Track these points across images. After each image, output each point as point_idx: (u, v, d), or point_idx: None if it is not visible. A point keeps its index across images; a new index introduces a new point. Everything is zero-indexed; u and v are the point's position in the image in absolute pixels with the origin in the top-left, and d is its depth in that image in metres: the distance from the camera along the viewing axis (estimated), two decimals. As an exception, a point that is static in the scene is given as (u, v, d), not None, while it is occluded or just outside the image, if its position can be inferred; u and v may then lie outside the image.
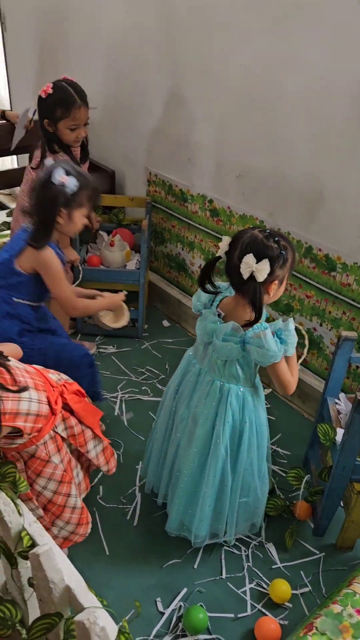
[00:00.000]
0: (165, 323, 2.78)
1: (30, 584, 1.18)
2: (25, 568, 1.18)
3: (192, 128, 2.34)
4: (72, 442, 1.46)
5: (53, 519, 1.46)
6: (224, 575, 1.64)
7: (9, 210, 2.82)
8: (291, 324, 1.42)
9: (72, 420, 1.45)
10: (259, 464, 1.59)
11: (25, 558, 1.10)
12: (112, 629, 0.92)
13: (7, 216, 2.77)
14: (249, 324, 1.39)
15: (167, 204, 2.64)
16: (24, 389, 1.29)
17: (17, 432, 1.30)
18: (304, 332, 1.80)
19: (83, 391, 1.56)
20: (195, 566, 1.66)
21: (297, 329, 1.47)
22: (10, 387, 1.25)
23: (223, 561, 1.68)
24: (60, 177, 1.65)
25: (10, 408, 1.25)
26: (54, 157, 2.10)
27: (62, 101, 2.01)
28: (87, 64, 2.81)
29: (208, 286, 1.48)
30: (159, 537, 1.74)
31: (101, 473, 1.89)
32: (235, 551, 1.71)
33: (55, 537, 1.50)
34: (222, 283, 1.53)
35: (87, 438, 1.51)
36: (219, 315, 1.48)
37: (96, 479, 1.89)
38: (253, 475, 1.59)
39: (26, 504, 1.33)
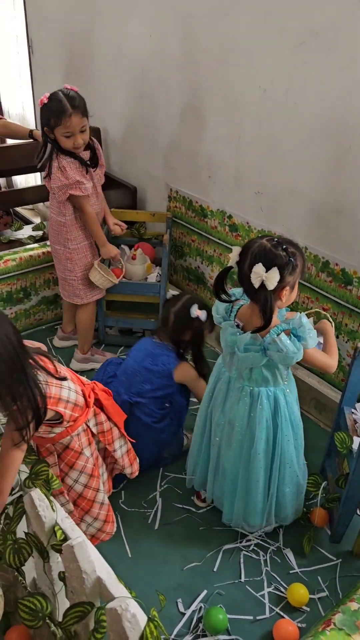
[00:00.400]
0: (184, 335, 2.85)
1: (61, 578, 1.25)
2: (56, 562, 1.25)
3: (212, 147, 2.43)
4: (101, 438, 1.55)
5: (82, 514, 1.54)
6: (242, 579, 1.69)
7: (34, 224, 2.93)
8: (303, 318, 1.48)
9: (102, 417, 1.55)
10: (297, 453, 1.68)
11: (58, 551, 1.16)
12: (142, 616, 0.98)
13: (33, 230, 2.88)
14: (258, 330, 1.46)
15: (187, 219, 2.72)
16: (65, 378, 1.40)
17: (57, 420, 1.39)
18: (329, 318, 1.83)
19: (110, 391, 1.66)
20: (215, 569, 1.71)
21: (319, 314, 1.54)
22: (54, 375, 1.36)
23: (242, 565, 1.72)
24: (196, 311, 1.91)
25: (54, 393, 1.36)
26: (63, 157, 2.16)
27: (55, 110, 2.06)
28: (111, 85, 2.92)
29: (223, 296, 1.55)
30: (179, 540, 1.79)
31: (125, 480, 1.95)
32: (253, 556, 1.76)
33: (83, 533, 1.57)
34: (236, 290, 1.60)
35: (114, 436, 1.60)
36: (237, 325, 1.55)
37: (120, 485, 1.95)
38: (293, 465, 1.67)
39: (57, 499, 1.41)
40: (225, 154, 2.38)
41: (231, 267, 1.48)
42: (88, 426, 1.51)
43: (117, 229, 2.53)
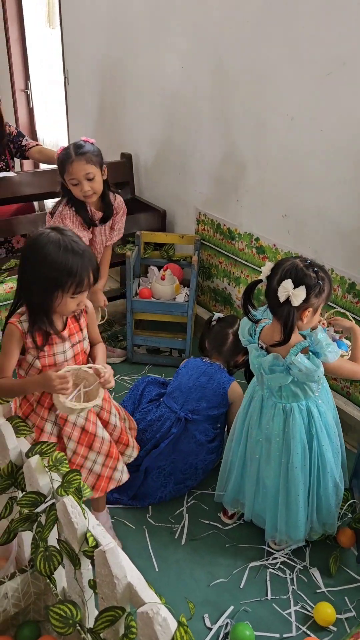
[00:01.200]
0: (211, 354, 2.89)
1: (91, 586, 1.28)
2: (86, 570, 1.29)
3: (241, 172, 2.50)
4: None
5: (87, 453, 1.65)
6: (269, 597, 1.69)
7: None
8: (319, 334, 1.51)
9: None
10: (335, 459, 1.70)
11: (90, 558, 1.20)
12: (172, 621, 1.01)
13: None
14: (277, 344, 1.50)
15: (215, 242, 2.79)
16: None
17: None
18: (349, 318, 1.86)
19: None
20: (242, 586, 1.72)
21: (343, 315, 1.56)
22: None
23: (268, 583, 1.73)
24: None
25: None
26: (69, 208, 2.22)
27: (61, 158, 2.13)
28: (143, 113, 3.04)
29: (249, 307, 1.61)
30: (205, 556, 1.81)
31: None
32: (280, 574, 1.76)
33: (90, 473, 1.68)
34: (258, 310, 1.65)
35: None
36: (261, 347, 1.60)
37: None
38: (333, 472, 1.70)
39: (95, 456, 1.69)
40: (253, 178, 2.45)
41: (260, 281, 1.53)
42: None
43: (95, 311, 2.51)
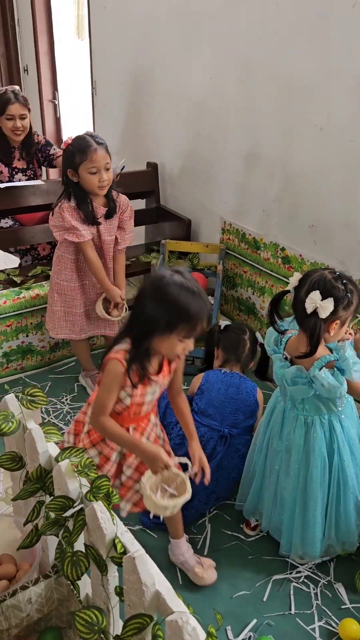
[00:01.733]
0: (234, 364, 2.88)
1: (117, 593, 1.28)
2: (113, 576, 1.28)
3: (268, 182, 2.50)
4: None
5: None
6: (292, 611, 1.66)
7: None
8: (348, 351, 1.49)
9: None
10: (357, 475, 1.67)
11: (118, 564, 1.19)
12: (201, 631, 1.00)
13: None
14: (303, 356, 1.48)
15: (240, 251, 2.79)
16: None
17: None
18: None
19: None
20: (265, 599, 1.69)
21: None
22: None
23: (292, 597, 1.70)
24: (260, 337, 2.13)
25: None
26: (70, 203, 2.17)
27: (80, 146, 2.08)
28: (170, 123, 3.07)
29: (275, 317, 1.60)
30: (228, 568, 1.79)
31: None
32: (304, 588, 1.73)
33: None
34: (285, 321, 1.64)
35: None
36: (286, 358, 1.58)
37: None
38: (355, 490, 1.67)
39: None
40: (280, 188, 2.45)
41: (288, 291, 1.53)
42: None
43: (114, 312, 2.37)
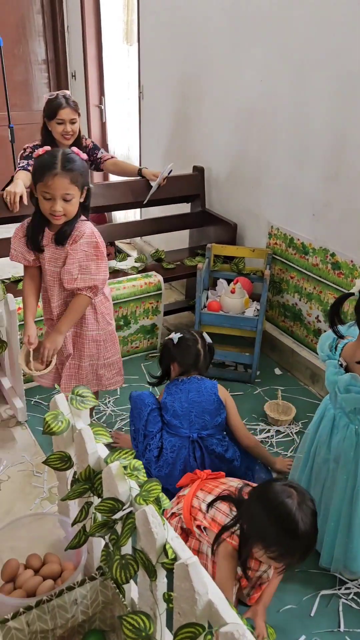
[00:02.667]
0: (277, 371, 2.83)
1: (165, 599, 1.25)
2: (162, 582, 1.26)
3: (319, 185, 2.45)
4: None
5: None
6: (342, 629, 1.60)
7: (137, 257, 3.07)
8: None
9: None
10: None
11: (168, 570, 1.17)
12: (256, 645, 0.96)
13: (135, 262, 3.01)
14: None
15: (287, 256, 2.74)
16: None
17: None
18: None
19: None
20: (312, 614, 1.64)
21: None
22: None
23: (341, 614, 1.64)
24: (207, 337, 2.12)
25: None
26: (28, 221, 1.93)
27: (42, 166, 1.77)
28: (217, 127, 3.05)
29: (335, 320, 1.53)
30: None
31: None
32: (354, 605, 1.67)
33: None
34: (342, 327, 1.58)
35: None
36: (341, 365, 1.53)
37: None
38: None
39: None
40: (331, 192, 2.39)
41: (351, 294, 1.49)
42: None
43: (32, 365, 1.97)
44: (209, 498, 1.62)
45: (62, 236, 1.86)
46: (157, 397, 2.11)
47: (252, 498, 1.46)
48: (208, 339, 2.11)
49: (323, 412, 1.69)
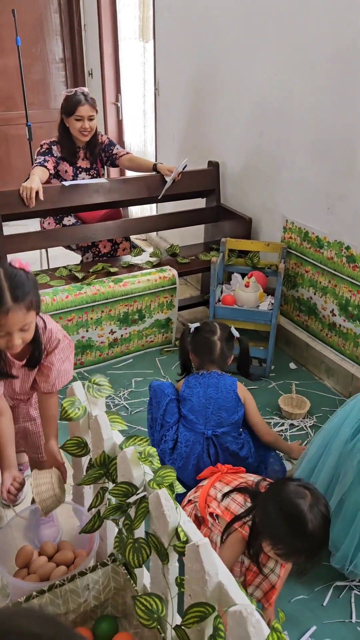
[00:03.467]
0: (292, 365, 2.82)
1: (178, 583, 1.26)
2: (174, 566, 1.27)
3: (334, 179, 2.45)
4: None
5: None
6: (354, 619, 1.60)
7: (152, 252, 3.09)
8: None
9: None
10: None
11: (180, 553, 1.18)
12: (264, 625, 0.97)
13: (150, 256, 3.03)
14: None
15: (302, 250, 2.73)
16: None
17: None
18: None
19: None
20: (324, 604, 1.64)
21: None
22: None
23: (353, 605, 1.64)
24: (235, 332, 2.09)
25: None
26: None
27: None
28: (232, 121, 3.06)
29: None
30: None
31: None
32: (366, 596, 1.67)
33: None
34: None
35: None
36: None
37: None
38: None
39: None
40: (347, 186, 2.38)
41: None
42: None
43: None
44: (226, 489, 1.62)
45: (35, 361, 1.63)
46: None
47: (267, 494, 1.47)
48: (235, 334, 2.06)
49: (352, 406, 1.67)
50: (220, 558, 1.38)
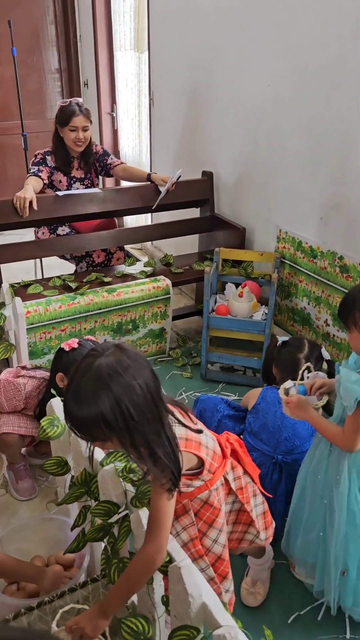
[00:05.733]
0: (287, 376, 2.80)
1: (163, 602, 1.24)
2: (158, 585, 1.25)
3: (327, 189, 2.44)
4: (239, 495, 1.42)
5: (221, 580, 1.40)
6: (347, 635, 1.57)
7: (145, 261, 3.07)
8: None
9: (239, 470, 1.44)
10: None
11: (163, 572, 1.16)
12: (249, 648, 0.95)
13: (145, 266, 3.01)
14: None
15: (295, 260, 2.72)
16: (201, 430, 1.30)
17: (196, 470, 1.31)
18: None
19: (242, 442, 1.53)
20: (319, 619, 1.61)
21: None
22: (191, 428, 1.27)
23: (347, 620, 1.61)
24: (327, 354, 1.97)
25: (194, 437, 1.27)
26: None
27: None
28: (226, 131, 3.06)
29: None
30: (278, 587, 1.72)
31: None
32: None
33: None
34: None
35: (250, 494, 1.47)
36: None
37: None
38: None
39: (196, 563, 1.32)
40: (339, 195, 2.37)
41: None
42: (227, 480, 1.39)
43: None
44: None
45: None
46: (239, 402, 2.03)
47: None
48: (326, 355, 1.92)
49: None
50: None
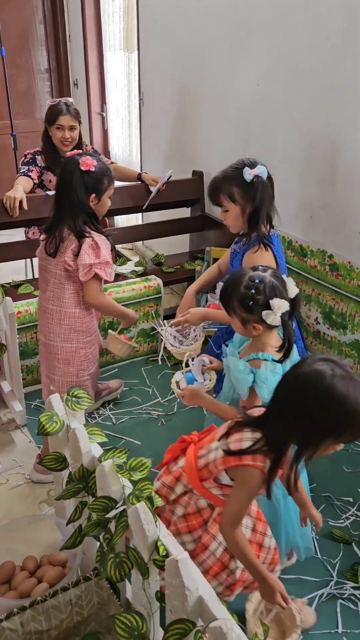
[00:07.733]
0: (278, 374, 2.82)
1: (158, 598, 1.25)
2: (154, 580, 1.25)
3: (316, 188, 2.46)
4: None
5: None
6: (339, 630, 1.59)
7: (137, 261, 3.08)
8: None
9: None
10: None
11: (160, 567, 1.17)
12: (245, 639, 0.96)
13: (135, 266, 3.02)
14: None
15: (286, 259, 2.73)
16: None
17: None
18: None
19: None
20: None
21: None
22: None
23: (339, 615, 1.63)
24: None
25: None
26: (96, 234, 1.94)
27: (105, 171, 1.93)
28: (216, 131, 3.07)
29: None
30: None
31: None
32: (351, 606, 1.66)
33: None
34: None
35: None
36: None
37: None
38: None
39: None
40: (329, 195, 2.40)
41: None
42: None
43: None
44: (214, 445, 1.41)
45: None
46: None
47: (289, 396, 1.22)
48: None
49: None
50: (235, 507, 1.29)
